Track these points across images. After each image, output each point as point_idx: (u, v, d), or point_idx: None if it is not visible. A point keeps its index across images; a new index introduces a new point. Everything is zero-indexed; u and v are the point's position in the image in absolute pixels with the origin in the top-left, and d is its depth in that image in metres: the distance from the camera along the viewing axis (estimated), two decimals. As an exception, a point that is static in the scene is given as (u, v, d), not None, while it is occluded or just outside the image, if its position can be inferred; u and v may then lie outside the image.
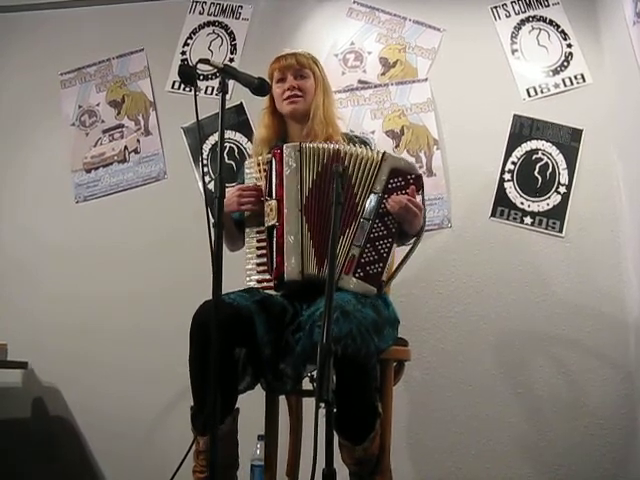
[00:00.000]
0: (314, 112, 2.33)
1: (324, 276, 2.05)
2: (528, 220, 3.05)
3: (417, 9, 3.34)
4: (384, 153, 2.14)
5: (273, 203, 2.16)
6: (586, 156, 3.07)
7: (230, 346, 1.99)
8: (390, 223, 2.09)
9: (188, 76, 2.15)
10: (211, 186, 3.22)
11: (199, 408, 2.00)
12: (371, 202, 2.10)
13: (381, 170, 2.11)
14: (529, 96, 3.17)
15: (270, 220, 2.15)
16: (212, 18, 3.50)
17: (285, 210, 2.13)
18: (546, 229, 3.04)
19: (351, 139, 2.38)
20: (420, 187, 2.13)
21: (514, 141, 3.13)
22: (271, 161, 2.20)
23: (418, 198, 2.11)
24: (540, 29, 3.24)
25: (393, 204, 2.07)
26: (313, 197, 2.14)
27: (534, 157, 3.11)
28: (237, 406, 2.07)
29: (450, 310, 3.02)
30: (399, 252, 2.23)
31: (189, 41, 3.48)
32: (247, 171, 2.29)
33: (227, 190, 1.94)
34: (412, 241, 2.20)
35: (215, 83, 3.33)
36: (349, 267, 2.05)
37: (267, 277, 2.15)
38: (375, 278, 2.06)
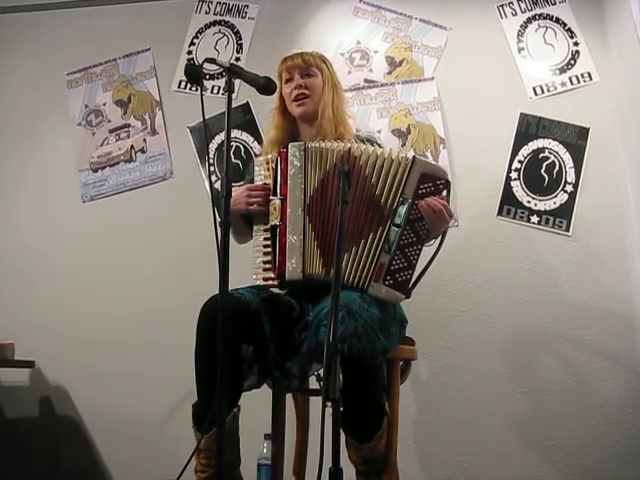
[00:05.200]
0: (322, 111, 2.31)
1: (330, 278, 2.05)
2: (535, 219, 3.05)
3: (423, 8, 3.33)
4: (414, 157, 2.07)
5: (277, 202, 2.15)
6: (593, 154, 3.06)
7: (238, 340, 2.00)
8: (420, 229, 2.04)
9: (194, 75, 2.15)
10: (218, 185, 3.23)
11: (203, 404, 2.00)
12: (401, 208, 2.04)
13: (411, 175, 2.04)
14: (536, 94, 3.16)
15: (273, 219, 2.15)
16: (218, 17, 3.50)
17: (288, 209, 2.13)
18: (553, 228, 3.03)
19: (362, 140, 2.35)
20: (449, 192, 2.09)
21: (521, 140, 3.12)
22: (277, 160, 2.20)
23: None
24: (547, 27, 3.24)
25: (427, 207, 2.02)
26: (318, 197, 2.12)
27: (541, 156, 3.10)
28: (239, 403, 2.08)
29: (457, 309, 3.01)
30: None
31: (195, 40, 3.48)
32: (256, 169, 2.28)
33: (236, 189, 1.94)
34: (436, 243, 2.16)
35: (221, 82, 3.34)
36: (378, 274, 2.02)
37: (272, 275, 2.15)
38: (404, 285, 2.04)
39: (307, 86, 2.33)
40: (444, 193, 2.08)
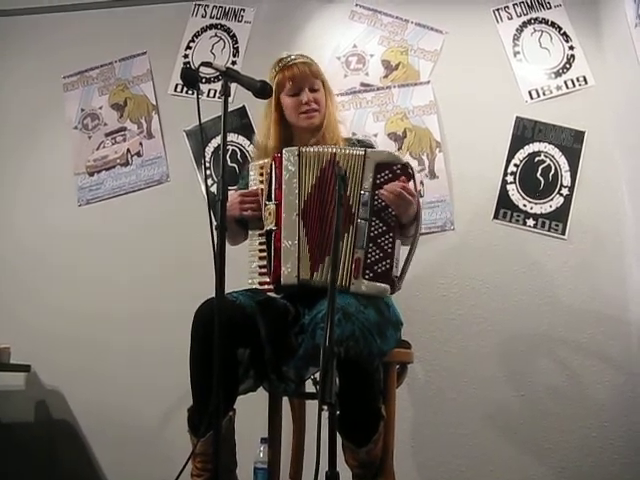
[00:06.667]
0: (327, 121, 2.33)
1: (318, 280, 2.07)
2: (531, 222, 3.05)
3: (419, 12, 3.33)
4: (365, 150, 2.12)
5: (272, 207, 2.16)
6: (589, 158, 3.07)
7: (233, 344, 1.99)
8: (388, 218, 2.07)
9: (191, 79, 2.16)
10: (214, 189, 3.22)
11: (198, 408, 2.00)
12: (363, 201, 2.07)
13: (366, 167, 2.09)
14: (531, 98, 3.17)
15: (268, 224, 2.16)
16: (214, 21, 3.50)
17: (283, 214, 2.14)
18: (549, 231, 3.03)
19: (353, 143, 2.37)
20: (409, 175, 2.11)
21: (516, 143, 3.13)
22: (271, 165, 2.20)
23: (410, 185, 2.09)
24: (542, 31, 3.24)
25: (386, 193, 2.05)
26: (312, 202, 2.14)
27: (536, 159, 3.11)
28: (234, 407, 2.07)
29: (453, 312, 3.01)
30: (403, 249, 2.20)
31: (191, 44, 3.48)
32: (251, 173, 2.29)
33: (229, 194, 1.94)
34: (412, 232, 2.18)
35: (217, 86, 3.33)
36: (356, 271, 2.04)
37: (267, 280, 2.16)
38: (385, 275, 2.05)
39: (317, 101, 2.32)
40: (411, 177, 2.10)
